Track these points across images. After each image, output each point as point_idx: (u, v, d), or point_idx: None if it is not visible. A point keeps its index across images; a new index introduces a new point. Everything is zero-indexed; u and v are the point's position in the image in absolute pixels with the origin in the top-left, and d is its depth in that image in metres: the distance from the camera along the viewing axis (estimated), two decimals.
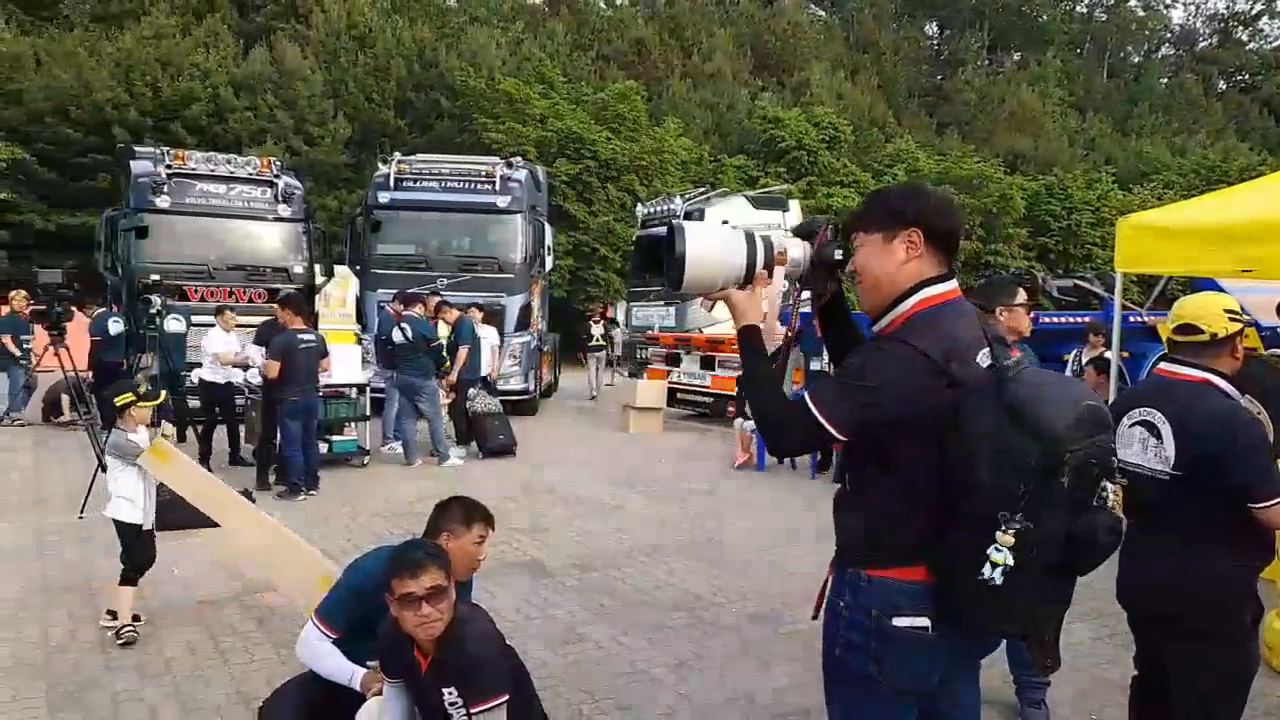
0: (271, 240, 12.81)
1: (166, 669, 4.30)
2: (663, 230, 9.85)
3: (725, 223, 2.26)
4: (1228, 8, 62.21)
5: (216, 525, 6.76)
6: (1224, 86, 57.99)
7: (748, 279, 2.15)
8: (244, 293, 12.38)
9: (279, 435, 8.20)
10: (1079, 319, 11.61)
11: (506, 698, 2.63)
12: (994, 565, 1.83)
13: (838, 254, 2.16)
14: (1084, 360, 9.14)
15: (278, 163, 13.28)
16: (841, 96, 39.33)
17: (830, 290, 2.24)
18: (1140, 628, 2.99)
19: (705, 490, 8.87)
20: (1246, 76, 58.57)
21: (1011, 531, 1.81)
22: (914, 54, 51.85)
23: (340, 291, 16.41)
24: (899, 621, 1.98)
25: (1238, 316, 2.83)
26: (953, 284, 2.08)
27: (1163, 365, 2.95)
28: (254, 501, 7.28)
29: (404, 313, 9.96)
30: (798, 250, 2.18)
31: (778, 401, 2.06)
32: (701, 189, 19.90)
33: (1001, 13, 55.13)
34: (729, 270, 2.14)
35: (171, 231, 12.03)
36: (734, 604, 5.45)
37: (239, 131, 25.28)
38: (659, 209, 17.24)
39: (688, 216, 16.22)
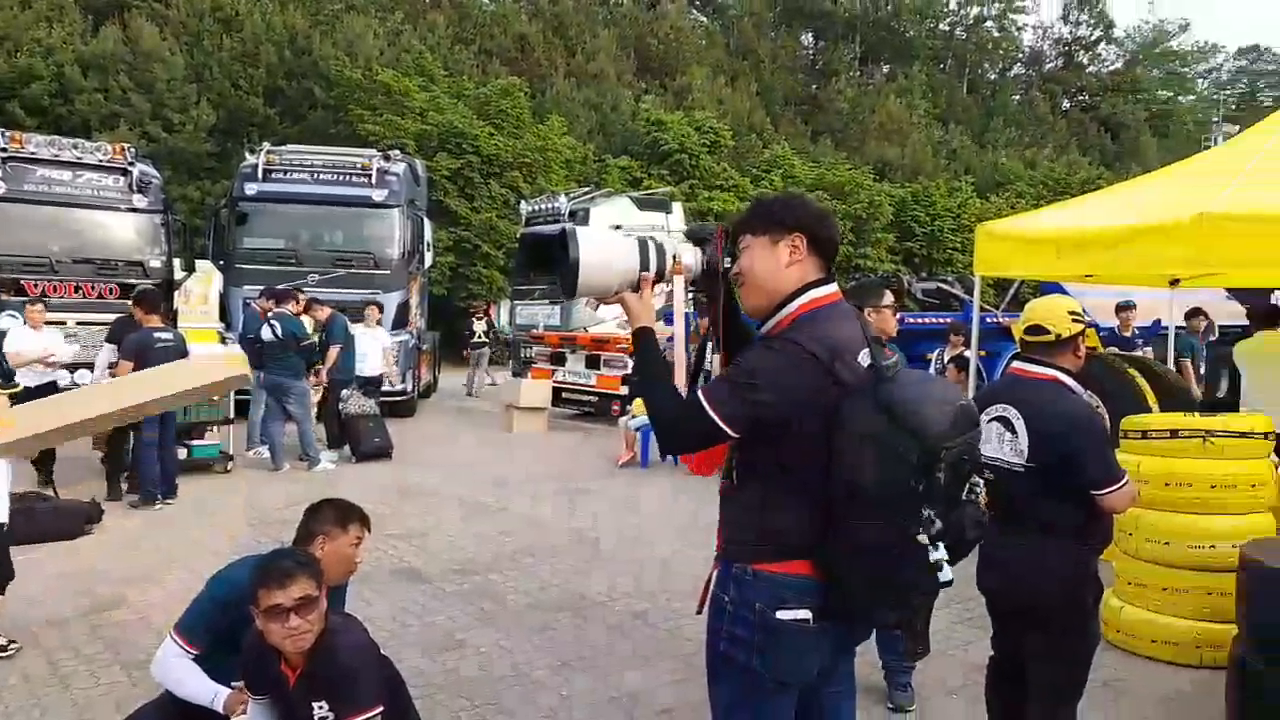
0: (124, 232, 12.01)
1: None
2: (548, 229, 9.94)
3: (618, 228, 2.26)
4: (1070, 33, 66.13)
5: (73, 537, 6.41)
6: (1068, 105, 61.83)
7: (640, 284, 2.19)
8: (93, 288, 11.61)
9: (131, 440, 7.73)
10: (941, 319, 12.18)
11: (380, 709, 2.56)
12: (938, 566, 1.90)
13: (727, 261, 2.21)
14: (946, 359, 9.59)
15: (132, 149, 12.47)
16: (722, 102, 40.02)
17: (718, 294, 2.27)
18: (997, 613, 3.17)
19: (589, 490, 8.88)
20: (1087, 96, 62.61)
21: (936, 530, 1.89)
22: (790, 63, 53.17)
23: (202, 288, 15.59)
24: (783, 615, 2.03)
25: (1080, 318, 3.04)
26: (834, 287, 2.16)
27: (1016, 364, 3.15)
28: (102, 514, 6.94)
29: (274, 310, 9.60)
30: (690, 256, 2.22)
31: (672, 401, 2.09)
32: (586, 188, 19.91)
33: (872, 26, 57.17)
34: (622, 275, 2.16)
35: (6, 220, 11.07)
36: (617, 602, 5.47)
37: (87, 114, 23.73)
38: (543, 207, 17.16)
39: (572, 215, 16.19)
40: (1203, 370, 8.83)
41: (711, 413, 1.99)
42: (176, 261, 12.60)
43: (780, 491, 2.05)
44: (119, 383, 4.25)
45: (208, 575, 3.03)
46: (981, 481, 2.04)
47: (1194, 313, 9.86)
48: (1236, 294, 11.47)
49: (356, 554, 3.02)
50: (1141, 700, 4.13)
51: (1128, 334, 9.60)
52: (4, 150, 11.17)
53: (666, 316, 2.29)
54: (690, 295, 2.26)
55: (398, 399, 13.10)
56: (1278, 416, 5.28)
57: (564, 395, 14.01)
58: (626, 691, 4.18)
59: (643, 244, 2.19)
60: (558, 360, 14.34)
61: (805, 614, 2.03)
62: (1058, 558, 2.88)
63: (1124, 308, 9.79)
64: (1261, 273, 6.66)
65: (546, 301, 16.48)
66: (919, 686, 4.05)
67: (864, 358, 2.06)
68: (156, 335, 7.72)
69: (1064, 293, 12.18)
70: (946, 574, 1.90)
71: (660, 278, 2.20)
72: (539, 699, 4.10)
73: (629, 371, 12.92)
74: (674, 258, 2.20)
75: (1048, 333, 3.00)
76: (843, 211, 32.80)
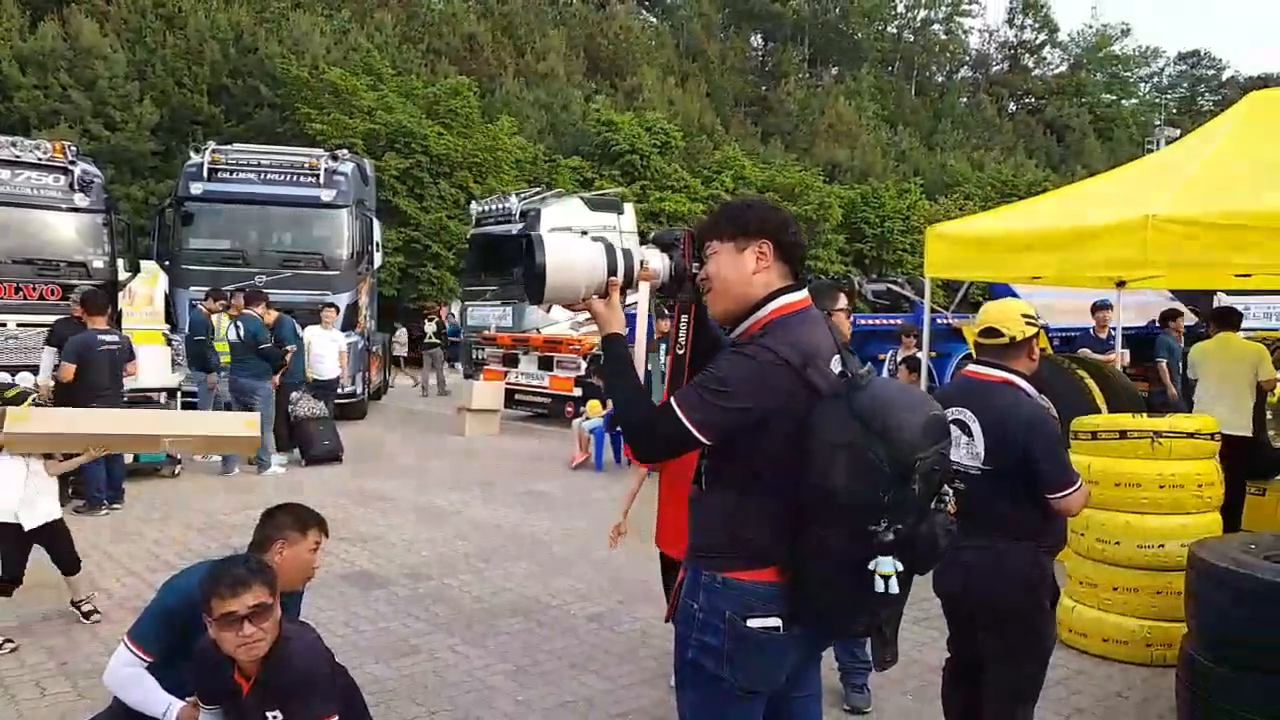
0: (66, 232, 11.67)
1: None
2: (499, 229, 9.85)
3: (584, 234, 2.23)
4: (1016, 36, 67.60)
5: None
6: (1014, 108, 63.21)
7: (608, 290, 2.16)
8: (33, 289, 11.27)
9: None
10: (892, 320, 12.34)
11: (335, 718, 2.51)
12: (884, 578, 1.88)
13: (694, 267, 2.19)
14: (898, 360, 9.71)
15: (73, 147, 12.12)
16: (672, 102, 40.14)
17: (683, 299, 2.25)
18: (954, 615, 3.20)
19: (543, 492, 8.82)
20: (1033, 100, 64.06)
21: (889, 539, 1.87)
22: (740, 64, 53.57)
23: (147, 288, 15.22)
24: (753, 623, 2.02)
25: (1033, 321, 3.05)
26: (804, 293, 2.15)
27: (970, 367, 3.17)
28: None
29: (243, 311, 9.54)
30: (658, 261, 2.20)
31: (644, 408, 2.06)
32: (537, 189, 19.83)
33: (821, 29, 57.81)
34: (590, 281, 2.13)
35: None
36: (572, 606, 5.44)
37: (26, 111, 23.07)
38: (494, 207, 17.06)
39: (523, 216, 16.13)
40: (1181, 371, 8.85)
41: (683, 419, 1.97)
42: (120, 262, 12.28)
43: (750, 498, 2.04)
44: (148, 415, 4.36)
45: (157, 582, 2.96)
46: (951, 491, 2.03)
47: (1173, 314, 9.79)
48: (1180, 295, 11.79)
49: (315, 559, 2.97)
50: (1094, 698, 4.20)
51: (1103, 335, 9.43)
52: None
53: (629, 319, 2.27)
54: (658, 301, 2.25)
55: (348, 401, 12.91)
56: (1236, 417, 5.44)
57: (517, 397, 13.93)
58: (582, 696, 4.16)
59: (609, 248, 2.16)
60: (510, 362, 14.26)
61: (775, 621, 2.02)
62: (1015, 560, 2.89)
63: (1100, 308, 9.62)
64: (1204, 274, 6.87)
65: (498, 302, 16.39)
66: (874, 688, 4.09)
67: (835, 364, 2.05)
68: (100, 337, 7.52)
69: (1013, 294, 12.44)
70: (880, 585, 1.89)
71: (629, 283, 2.17)
72: (495, 704, 4.06)
73: (582, 373, 12.90)
74: (641, 263, 2.17)
75: (1002, 335, 3.02)
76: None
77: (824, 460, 1.93)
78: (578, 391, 12.78)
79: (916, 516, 1.91)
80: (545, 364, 13.67)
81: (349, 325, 13.14)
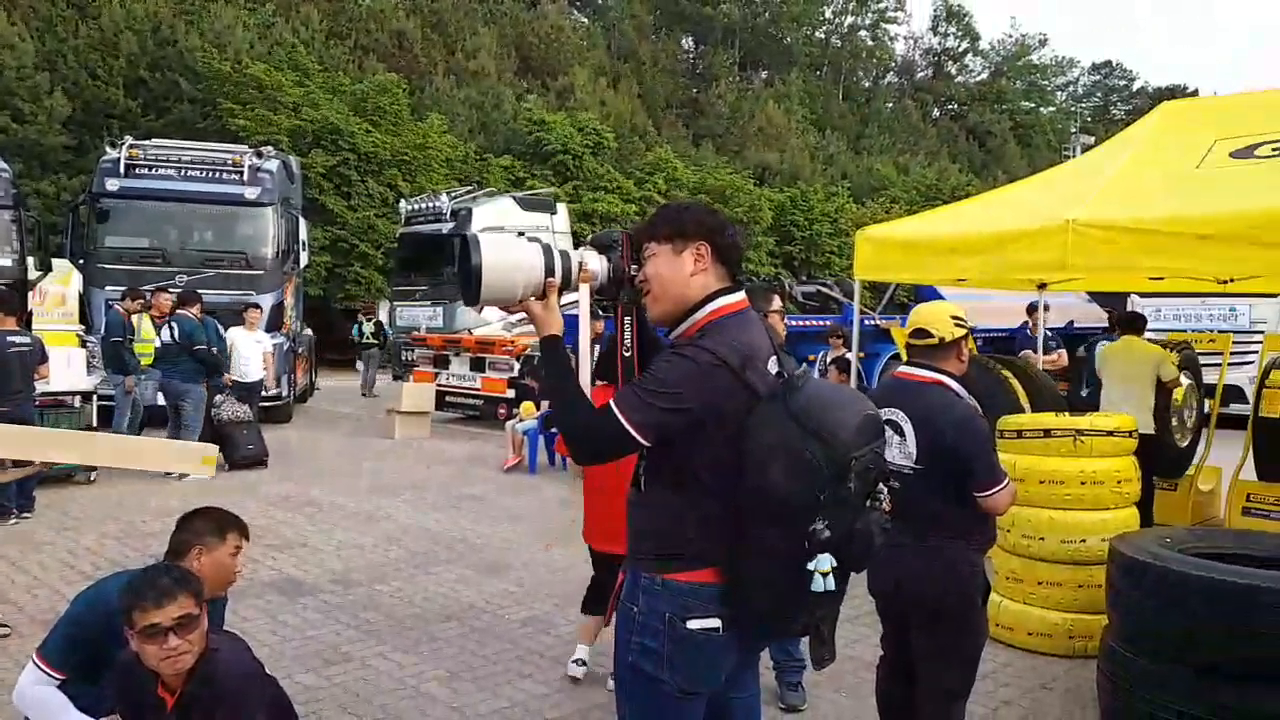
0: None
1: None
2: (428, 228, 9.78)
3: (521, 234, 2.20)
4: (939, 44, 69.28)
5: None
6: (938, 114, 64.74)
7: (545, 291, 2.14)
8: None
9: None
10: (822, 322, 12.54)
11: None
12: (824, 575, 1.90)
13: (633, 269, 2.19)
14: (828, 360, 9.85)
15: None
16: (604, 103, 40.08)
17: (624, 301, 2.25)
18: (888, 614, 3.25)
19: (475, 495, 8.73)
20: (956, 106, 65.75)
21: (826, 537, 1.89)
22: (671, 66, 53.81)
23: (59, 288, 14.62)
24: (692, 624, 2.02)
25: (962, 323, 3.13)
26: (741, 295, 2.17)
27: (901, 368, 3.25)
28: None
29: (176, 311, 9.39)
30: (596, 263, 2.19)
31: (584, 410, 2.06)
32: (468, 188, 19.63)
33: (751, 33, 58.41)
34: (528, 282, 2.11)
35: None
36: (506, 610, 5.40)
37: None
38: (424, 206, 16.85)
39: (454, 215, 15.97)
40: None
41: (623, 420, 1.97)
42: (30, 260, 11.80)
43: (688, 499, 2.05)
44: (96, 439, 4.16)
45: (71, 595, 2.83)
46: (886, 489, 2.06)
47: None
48: (1097, 297, 12.23)
49: (236, 564, 2.89)
50: (1020, 690, 4.32)
51: (1036, 334, 9.52)
52: None
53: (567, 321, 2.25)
54: (596, 302, 2.24)
55: (273, 404, 12.59)
56: (1141, 416, 5.66)
57: (448, 399, 13.76)
58: (518, 701, 4.13)
59: (547, 249, 2.14)
60: (441, 363, 14.07)
61: (715, 622, 2.03)
62: (948, 558, 2.95)
63: (1034, 309, 9.70)
64: (1120, 277, 7.13)
65: (429, 303, 16.18)
66: (808, 685, 4.15)
67: (772, 365, 2.08)
68: (11, 339, 7.21)
69: (939, 296, 12.75)
70: (818, 584, 1.91)
71: (567, 285, 2.16)
72: (430, 712, 4.01)
73: (515, 374, 12.81)
74: (580, 265, 2.16)
75: (932, 336, 3.10)
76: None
77: (762, 460, 1.95)
78: (510, 393, 12.68)
79: (852, 515, 1.94)
80: (477, 365, 13.52)
81: (274, 326, 12.81)
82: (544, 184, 26.87)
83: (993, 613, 4.79)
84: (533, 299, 2.14)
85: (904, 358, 9.17)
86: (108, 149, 13.20)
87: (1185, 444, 7.14)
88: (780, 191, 38.37)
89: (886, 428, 2.97)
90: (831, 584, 1.92)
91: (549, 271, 2.12)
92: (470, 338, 14.25)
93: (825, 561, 1.90)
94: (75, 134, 24.10)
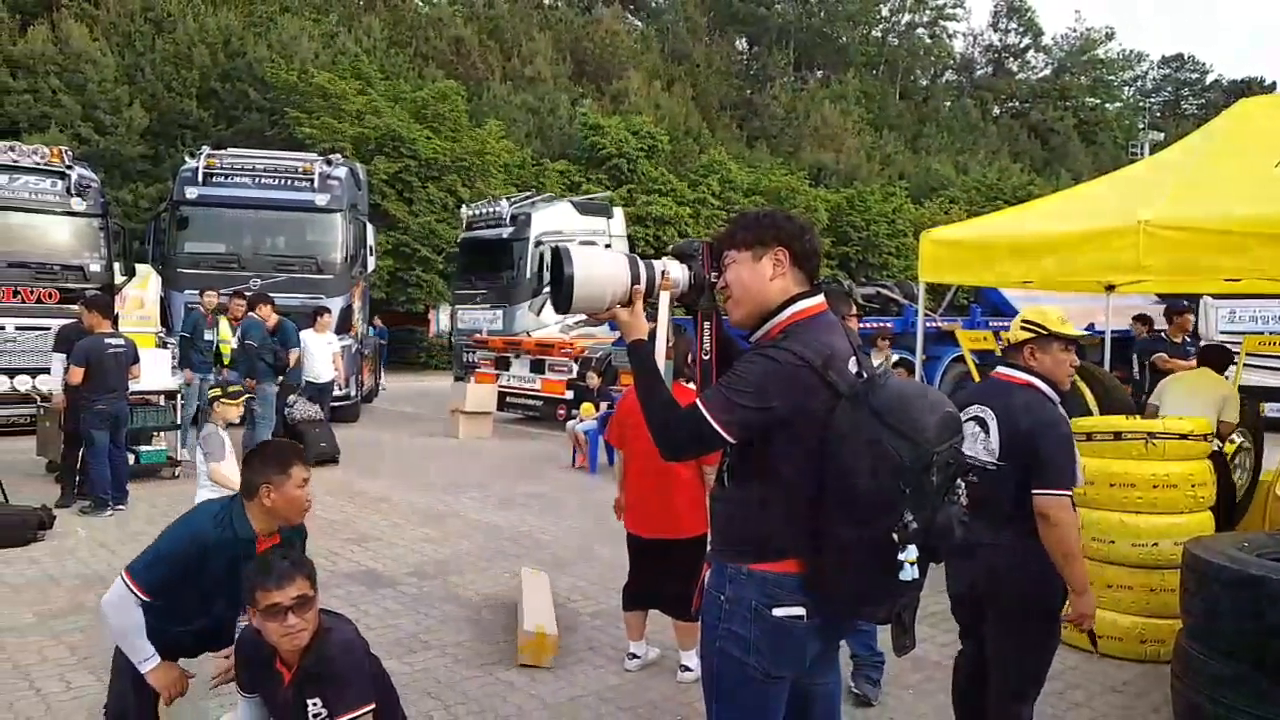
0: (63, 236, 11.75)
1: None
2: (489, 233, 10.07)
3: (608, 246, 2.32)
4: (1000, 40, 68.13)
5: (25, 543, 6.33)
6: (998, 111, 63.67)
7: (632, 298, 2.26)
8: (31, 292, 11.31)
9: (84, 446, 7.58)
10: (882, 324, 12.48)
11: (373, 707, 2.60)
12: (911, 564, 2.00)
13: (713, 276, 2.29)
14: (891, 363, 9.84)
15: (69, 152, 12.20)
16: (658, 106, 40.25)
17: (703, 308, 2.33)
18: (963, 610, 3.30)
19: (539, 494, 8.91)
20: (1016, 103, 64.57)
21: (914, 529, 1.98)
22: (726, 68, 53.77)
23: (138, 291, 15.25)
24: (778, 612, 2.12)
25: (1031, 326, 3.17)
26: (820, 299, 2.25)
27: (997, 369, 3.31)
28: (53, 520, 6.80)
29: (249, 314, 9.61)
30: (678, 271, 2.29)
31: (671, 410, 2.16)
32: (526, 192, 19.90)
33: (806, 32, 58.12)
34: (615, 290, 2.23)
35: None
36: (576, 603, 5.54)
37: (17, 115, 22.96)
38: (485, 211, 17.13)
39: (513, 220, 16.22)
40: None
41: (710, 419, 2.07)
42: (117, 265, 12.35)
43: (773, 493, 2.14)
44: None
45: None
46: (963, 483, 2.14)
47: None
48: (1167, 299, 11.96)
49: (305, 493, 2.97)
50: (1090, 693, 4.32)
51: (1177, 339, 8.84)
52: None
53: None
54: (677, 309, 2.35)
55: (342, 404, 12.95)
56: None
57: (508, 400, 14.00)
58: (592, 690, 4.26)
59: (633, 259, 2.26)
60: (502, 365, 14.33)
61: (799, 610, 2.13)
62: (1022, 556, 2.97)
63: (1177, 312, 8.96)
64: (1194, 279, 7.00)
65: (488, 306, 16.45)
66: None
67: (853, 365, 2.16)
68: (108, 341, 7.59)
69: (1003, 299, 12.58)
70: (908, 573, 2.00)
71: (650, 291, 2.27)
72: (510, 698, 4.15)
73: (574, 376, 12.99)
74: (662, 273, 2.27)
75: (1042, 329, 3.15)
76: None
77: (847, 457, 2.03)
78: (569, 394, 12.87)
79: (932, 508, 2.02)
80: (537, 367, 13.74)
81: (343, 329, 13.18)
82: (599, 188, 27.10)
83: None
84: (619, 306, 2.25)
85: (968, 361, 9.10)
86: (186, 158, 13.72)
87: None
88: (836, 192, 38.11)
89: (973, 424, 3.10)
90: (917, 573, 2.02)
91: (634, 279, 2.24)
92: (530, 340, 14.48)
93: (914, 551, 2.00)
94: (151, 144, 25.01)
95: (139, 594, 2.78)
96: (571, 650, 4.75)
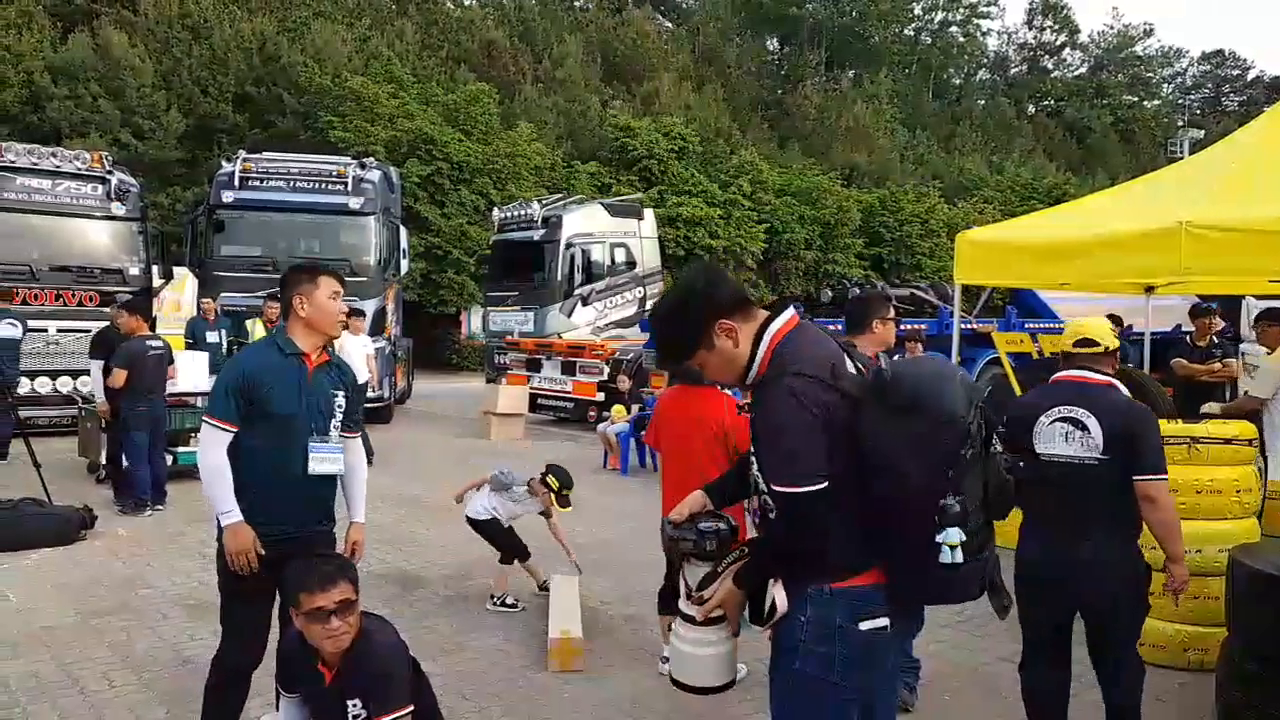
0: (104, 240, 11.99)
1: (13, 701, 4.00)
2: (520, 235, 10.22)
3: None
4: (1035, 38, 67.30)
5: (68, 542, 6.46)
6: (1033, 110, 62.87)
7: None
8: (72, 295, 11.54)
9: (125, 448, 7.72)
10: (918, 326, 12.36)
11: (411, 708, 2.62)
12: (951, 548, 1.98)
13: (708, 544, 2.26)
14: None
15: (109, 157, 12.43)
16: (689, 107, 40.15)
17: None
18: (1054, 602, 3.41)
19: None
20: (1052, 102, 63.73)
21: (956, 511, 1.97)
22: (756, 68, 53.59)
23: (174, 294, 15.49)
24: (864, 626, 2.10)
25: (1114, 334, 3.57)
26: (791, 312, 2.20)
27: (1070, 372, 3.55)
28: (95, 519, 6.91)
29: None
30: (695, 574, 2.28)
31: (782, 536, 2.14)
32: (558, 195, 19.96)
33: (838, 32, 57.75)
34: (716, 637, 2.28)
35: None
36: (610, 606, 5.55)
37: (58, 121, 23.41)
38: (517, 213, 17.20)
39: (545, 222, 16.26)
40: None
41: (797, 490, 2.03)
42: (155, 269, 12.56)
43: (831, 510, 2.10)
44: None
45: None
46: (997, 435, 2.14)
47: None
48: (1206, 301, 11.68)
49: (337, 304, 3.20)
50: None
51: (1203, 343, 8.43)
52: None
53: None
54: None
55: (375, 405, 13.07)
56: None
57: (540, 402, 14.05)
58: (626, 694, 4.26)
59: (728, 660, 2.31)
60: (533, 366, 14.39)
61: (884, 621, 2.12)
62: (1122, 543, 3.31)
63: (1202, 313, 8.64)
64: (1237, 280, 6.87)
65: (519, 308, 16.52)
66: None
67: (849, 366, 2.15)
68: (148, 344, 7.72)
69: (1039, 301, 12.40)
70: (946, 555, 1.98)
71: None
72: (544, 700, 4.17)
73: (605, 378, 13.01)
74: (699, 594, 2.27)
75: (1098, 345, 3.50)
76: (811, 216, 33.13)
77: (889, 455, 2.01)
78: (600, 396, 12.89)
79: (980, 470, 2.04)
80: (568, 369, 13.79)
81: (376, 331, 13.31)
82: (629, 189, 27.12)
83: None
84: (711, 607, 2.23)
85: (1004, 363, 8.99)
86: (222, 162, 13.91)
87: None
88: (869, 193, 37.83)
89: (1064, 424, 3.34)
90: (960, 556, 1.99)
91: (733, 674, 2.34)
92: (561, 342, 14.53)
93: (955, 534, 1.98)
94: (188, 148, 25.38)
95: (219, 425, 3.05)
96: (605, 654, 4.75)
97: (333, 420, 3.24)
